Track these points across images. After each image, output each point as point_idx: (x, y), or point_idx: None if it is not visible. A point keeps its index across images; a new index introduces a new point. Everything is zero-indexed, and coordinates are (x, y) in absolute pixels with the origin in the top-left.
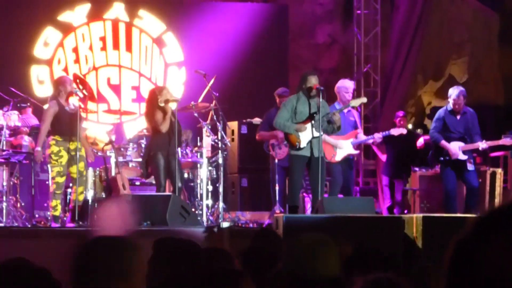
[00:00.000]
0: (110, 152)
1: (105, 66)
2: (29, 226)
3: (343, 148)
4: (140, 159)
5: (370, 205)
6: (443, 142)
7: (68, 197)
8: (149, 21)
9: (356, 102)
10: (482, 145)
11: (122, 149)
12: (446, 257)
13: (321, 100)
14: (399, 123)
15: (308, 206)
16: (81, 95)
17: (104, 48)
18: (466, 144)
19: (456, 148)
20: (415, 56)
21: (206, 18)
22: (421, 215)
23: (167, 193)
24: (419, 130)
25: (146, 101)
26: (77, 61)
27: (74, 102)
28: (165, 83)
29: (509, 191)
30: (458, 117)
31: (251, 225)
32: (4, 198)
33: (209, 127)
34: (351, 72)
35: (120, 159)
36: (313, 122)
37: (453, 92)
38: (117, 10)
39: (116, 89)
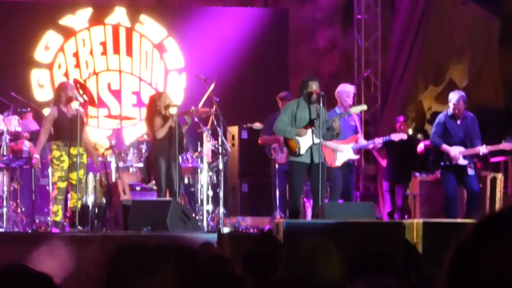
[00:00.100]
0: (111, 157)
1: (106, 71)
2: (30, 231)
3: (344, 152)
4: (140, 164)
5: (370, 210)
6: (444, 146)
7: (67, 203)
8: (150, 27)
9: (356, 109)
10: (482, 150)
11: (122, 154)
12: (446, 259)
13: (321, 105)
14: (399, 128)
15: (309, 211)
16: (82, 100)
17: (104, 53)
18: (467, 149)
19: (456, 151)
20: (416, 61)
21: (207, 23)
22: (421, 220)
23: (167, 198)
24: (419, 135)
25: (146, 106)
26: (77, 66)
27: (75, 106)
28: (165, 89)
29: (510, 196)
30: (459, 122)
31: (251, 230)
32: (5, 203)
33: (210, 132)
34: (351, 76)
35: (121, 164)
36: (313, 128)
37: (453, 96)
38: (119, 15)
39: (117, 94)
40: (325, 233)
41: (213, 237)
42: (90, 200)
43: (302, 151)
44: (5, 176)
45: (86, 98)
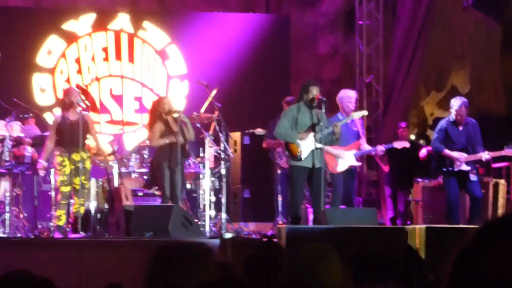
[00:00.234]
0: (113, 162)
1: (108, 77)
2: (32, 236)
3: (345, 159)
4: (143, 170)
5: (372, 216)
6: (446, 151)
7: (69, 208)
8: (153, 33)
9: (357, 115)
10: (484, 156)
11: (124, 159)
12: (448, 264)
13: (323, 111)
14: (401, 134)
15: (311, 217)
16: (84, 106)
17: (106, 58)
18: (469, 155)
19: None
20: (417, 67)
21: (209, 28)
22: (424, 226)
23: (169, 204)
24: (421, 141)
25: (148, 112)
26: (79, 71)
27: (78, 111)
28: (167, 95)
29: None
30: (461, 128)
31: (253, 236)
32: (7, 209)
33: (212, 138)
34: (353, 82)
35: (123, 169)
36: (314, 132)
37: (455, 103)
38: (122, 21)
39: (119, 99)
40: (327, 239)
41: (215, 242)
42: (92, 205)
43: (304, 155)
44: (7, 182)
45: (88, 104)
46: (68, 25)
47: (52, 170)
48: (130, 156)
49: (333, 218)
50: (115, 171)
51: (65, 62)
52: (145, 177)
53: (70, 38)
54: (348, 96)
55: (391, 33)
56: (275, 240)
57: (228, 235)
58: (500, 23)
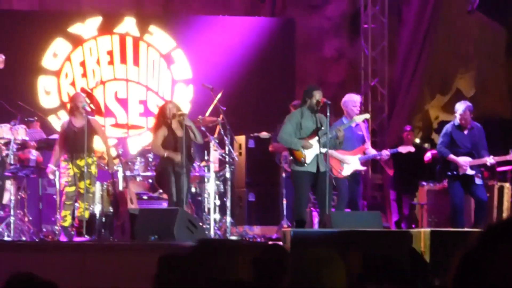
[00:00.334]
0: (118, 166)
1: (113, 80)
2: (37, 240)
3: (350, 163)
4: (148, 173)
5: (377, 219)
6: (451, 156)
7: (75, 212)
8: (159, 37)
9: (359, 118)
10: (489, 160)
11: (129, 163)
12: (452, 267)
13: (328, 114)
14: (406, 137)
15: (316, 220)
16: (89, 110)
17: (111, 62)
18: (474, 160)
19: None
20: (422, 70)
21: (214, 32)
22: (428, 229)
23: (174, 207)
24: (426, 145)
25: (155, 116)
26: (84, 75)
27: (83, 113)
28: (172, 99)
29: None
30: (466, 132)
31: (258, 239)
32: (12, 212)
33: (217, 141)
34: (358, 86)
35: (128, 173)
36: (318, 137)
37: (460, 107)
38: (128, 25)
39: (124, 103)
40: (332, 242)
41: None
42: (97, 209)
43: (308, 160)
44: (12, 185)
45: (93, 107)
46: (74, 28)
47: (57, 173)
48: (135, 160)
49: (338, 221)
50: (120, 175)
51: (70, 65)
52: (150, 180)
53: (76, 41)
54: (352, 100)
55: (396, 37)
56: (280, 243)
57: (233, 239)
58: (505, 26)
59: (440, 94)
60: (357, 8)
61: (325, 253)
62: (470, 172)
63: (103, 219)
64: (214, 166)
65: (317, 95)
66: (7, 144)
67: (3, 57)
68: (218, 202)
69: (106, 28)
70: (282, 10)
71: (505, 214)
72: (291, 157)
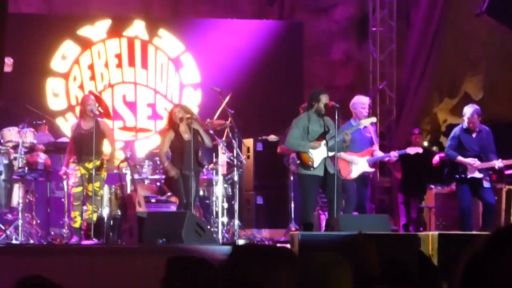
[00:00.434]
0: (126, 169)
1: (121, 83)
2: (45, 243)
3: (359, 165)
4: (156, 176)
5: (385, 222)
6: (459, 158)
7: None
8: (168, 41)
9: (366, 121)
10: (498, 163)
11: (137, 166)
12: (459, 269)
13: (336, 118)
14: (414, 140)
15: (324, 223)
16: (97, 113)
17: (119, 65)
18: (482, 163)
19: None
20: (431, 74)
21: (222, 35)
22: (436, 232)
23: (182, 210)
24: (434, 148)
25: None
26: (92, 78)
27: (91, 115)
28: (180, 102)
29: None
30: (474, 135)
31: (266, 242)
32: (20, 216)
33: (225, 144)
34: (366, 89)
35: (136, 176)
36: (325, 140)
37: (468, 110)
38: (137, 28)
39: (132, 106)
40: (340, 246)
41: (228, 249)
42: (105, 212)
43: (316, 164)
44: (20, 188)
45: (101, 110)
46: (84, 31)
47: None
48: (143, 163)
49: (346, 224)
50: (128, 178)
51: (78, 68)
52: (158, 183)
53: (85, 43)
54: (361, 102)
55: (404, 40)
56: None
57: (241, 242)
58: None
59: (448, 97)
60: (365, 12)
61: (331, 257)
62: (478, 175)
63: (111, 222)
64: (222, 169)
65: (324, 99)
66: (15, 147)
67: (12, 60)
68: (226, 205)
69: (115, 31)
70: (290, 13)
71: None
72: (299, 161)
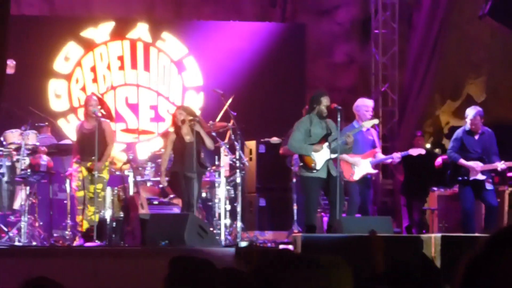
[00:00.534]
0: (129, 171)
1: (123, 85)
2: (47, 245)
3: (362, 167)
4: (158, 178)
5: (388, 224)
6: (461, 161)
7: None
8: (171, 44)
9: (368, 123)
10: (500, 165)
11: (140, 168)
12: (459, 271)
13: (338, 120)
14: (416, 142)
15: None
16: (100, 115)
17: (122, 67)
18: (485, 165)
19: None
20: (433, 76)
21: (224, 37)
22: (439, 234)
23: (185, 212)
24: (437, 150)
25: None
26: (95, 80)
27: (93, 116)
28: (182, 104)
29: None
30: (476, 137)
31: (269, 244)
32: (23, 218)
33: (227, 146)
34: (368, 91)
35: (138, 178)
36: (328, 143)
37: (470, 112)
38: (141, 31)
39: (134, 108)
40: (343, 248)
41: (231, 251)
42: (107, 214)
43: (318, 166)
44: (23, 190)
45: (103, 112)
46: (87, 33)
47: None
48: (145, 165)
49: (349, 226)
50: (131, 180)
51: (80, 70)
52: (161, 185)
53: (88, 45)
54: (365, 105)
55: (406, 42)
56: (290, 248)
57: (243, 244)
58: None
59: (451, 100)
60: (367, 14)
61: (332, 259)
62: (480, 177)
63: (114, 224)
64: (224, 171)
65: (325, 101)
66: (18, 149)
67: (14, 62)
68: (228, 207)
69: (118, 33)
70: (292, 15)
71: None
72: (301, 163)
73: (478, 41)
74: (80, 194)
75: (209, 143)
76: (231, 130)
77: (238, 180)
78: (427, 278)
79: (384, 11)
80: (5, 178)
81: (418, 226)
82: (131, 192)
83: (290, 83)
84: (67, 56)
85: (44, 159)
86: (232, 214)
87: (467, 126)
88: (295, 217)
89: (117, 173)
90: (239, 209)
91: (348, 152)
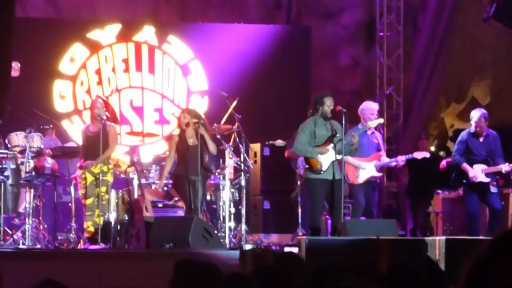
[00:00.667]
0: (133, 174)
1: (128, 88)
2: (52, 248)
3: (366, 170)
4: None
5: (392, 227)
6: (464, 165)
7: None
8: (177, 47)
9: (373, 123)
10: (505, 167)
11: (144, 171)
12: (462, 274)
13: (343, 123)
14: (421, 145)
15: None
16: (105, 117)
17: (127, 70)
18: (489, 167)
19: (478, 170)
20: (438, 78)
21: (229, 40)
22: (444, 237)
23: (189, 215)
24: (441, 153)
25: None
26: (99, 83)
27: (99, 119)
28: (187, 107)
29: None
30: (481, 139)
31: (274, 247)
32: (27, 220)
33: (232, 149)
34: (373, 94)
35: (143, 181)
36: (333, 144)
37: (475, 114)
38: (147, 34)
39: (139, 111)
40: (347, 251)
41: (235, 254)
42: (112, 217)
43: (324, 168)
44: (28, 193)
45: (108, 115)
46: (93, 34)
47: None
48: (150, 168)
49: (353, 229)
50: (135, 183)
51: (85, 73)
52: (165, 188)
53: (94, 47)
54: (370, 108)
55: (411, 45)
56: (294, 251)
57: (248, 247)
58: None
59: (456, 102)
60: (372, 16)
61: (334, 265)
62: (485, 179)
63: (118, 227)
64: (229, 174)
65: (328, 102)
66: (22, 152)
67: (19, 65)
68: (233, 210)
69: (125, 36)
70: (297, 18)
71: None
72: (307, 165)
73: (483, 43)
74: (89, 201)
75: (212, 147)
76: (236, 132)
77: (243, 182)
78: (432, 281)
79: (389, 14)
80: (10, 181)
81: (422, 229)
82: (135, 195)
83: (294, 86)
84: (73, 57)
85: (49, 162)
86: (237, 216)
87: (472, 128)
88: (300, 220)
89: (122, 175)
90: (243, 212)
91: (354, 152)
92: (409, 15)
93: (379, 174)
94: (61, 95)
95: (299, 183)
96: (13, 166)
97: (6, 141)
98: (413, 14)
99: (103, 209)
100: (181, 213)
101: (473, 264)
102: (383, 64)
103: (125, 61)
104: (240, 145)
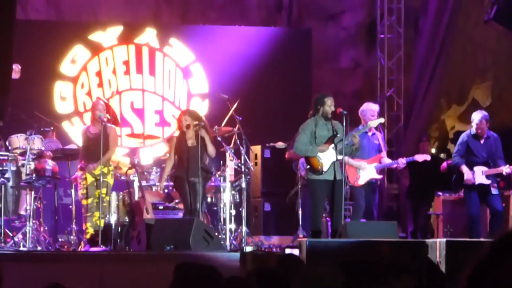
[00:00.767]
0: (134, 176)
1: (129, 90)
2: (53, 250)
3: (367, 172)
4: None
5: (393, 229)
6: (463, 167)
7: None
8: (178, 50)
9: (374, 123)
10: (506, 169)
11: (145, 173)
12: (463, 276)
13: (344, 124)
14: (422, 147)
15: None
16: (105, 119)
17: (127, 72)
18: (490, 169)
19: (479, 172)
20: (439, 80)
21: (230, 42)
22: (444, 239)
23: (190, 217)
24: (442, 155)
25: None
26: (100, 85)
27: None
28: (187, 108)
29: None
30: (482, 141)
31: (274, 249)
32: (28, 223)
33: (232, 151)
34: (374, 96)
35: (144, 183)
36: (333, 145)
37: (476, 116)
38: (149, 36)
39: (140, 113)
40: (348, 253)
41: (236, 256)
42: (113, 219)
43: (325, 168)
44: (28, 195)
45: (109, 117)
46: (95, 36)
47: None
48: (151, 170)
49: (354, 231)
50: (136, 185)
51: (86, 75)
52: (166, 190)
53: (95, 49)
54: (371, 109)
55: (412, 47)
56: (294, 253)
57: (248, 249)
58: None
59: (456, 104)
60: (373, 18)
61: (329, 269)
62: (485, 181)
63: (119, 229)
64: (230, 176)
65: (329, 102)
66: (23, 154)
67: (19, 67)
68: (233, 212)
69: (126, 38)
70: (298, 20)
71: None
72: (308, 166)
73: (484, 45)
74: (86, 202)
75: (211, 150)
76: (237, 135)
77: (243, 184)
78: (433, 283)
79: (390, 16)
80: (10, 183)
81: (423, 231)
82: (136, 197)
83: (295, 88)
84: (74, 59)
85: (50, 164)
86: (237, 219)
87: (473, 130)
88: (300, 222)
89: (122, 178)
90: (244, 214)
91: (355, 153)
92: (410, 17)
93: (380, 176)
94: (61, 96)
95: (299, 185)
96: (13, 168)
97: (7, 143)
98: (414, 16)
99: (103, 211)
100: (181, 215)
101: (474, 266)
102: (384, 66)
103: (126, 63)
104: (240, 147)
